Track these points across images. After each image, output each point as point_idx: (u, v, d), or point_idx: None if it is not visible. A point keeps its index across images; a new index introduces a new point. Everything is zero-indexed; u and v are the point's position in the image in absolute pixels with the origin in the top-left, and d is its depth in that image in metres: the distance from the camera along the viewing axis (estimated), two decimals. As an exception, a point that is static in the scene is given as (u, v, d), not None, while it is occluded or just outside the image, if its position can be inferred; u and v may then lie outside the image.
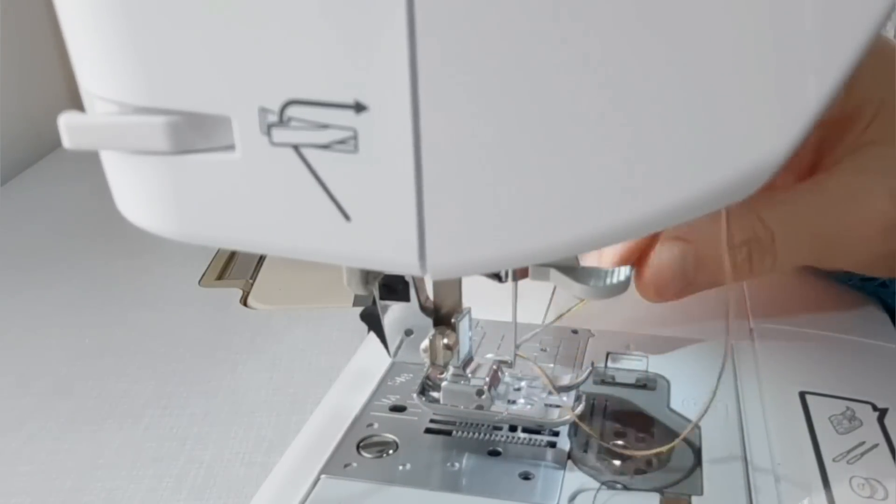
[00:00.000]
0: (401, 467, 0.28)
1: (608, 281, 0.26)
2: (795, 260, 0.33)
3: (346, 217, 0.17)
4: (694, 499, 0.26)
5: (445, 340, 0.27)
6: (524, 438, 0.29)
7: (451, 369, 0.29)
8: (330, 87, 0.16)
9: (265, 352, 0.39)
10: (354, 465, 0.28)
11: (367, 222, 0.17)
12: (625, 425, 0.30)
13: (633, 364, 0.34)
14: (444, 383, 0.29)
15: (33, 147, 0.67)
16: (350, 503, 0.27)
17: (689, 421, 0.30)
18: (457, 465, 0.28)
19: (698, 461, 0.28)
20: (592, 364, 0.33)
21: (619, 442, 0.29)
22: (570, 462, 0.28)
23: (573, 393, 0.30)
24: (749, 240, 0.31)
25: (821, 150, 0.34)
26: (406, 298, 0.27)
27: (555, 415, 0.29)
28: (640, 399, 0.32)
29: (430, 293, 0.28)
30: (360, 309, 0.30)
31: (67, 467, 0.31)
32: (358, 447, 0.29)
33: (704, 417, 0.30)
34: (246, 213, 0.18)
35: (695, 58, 0.15)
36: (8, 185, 0.64)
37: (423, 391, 0.30)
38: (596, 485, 0.27)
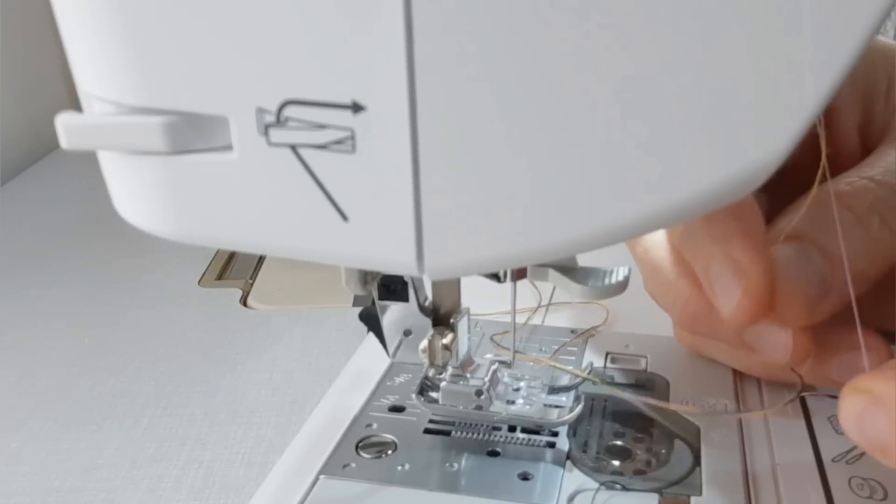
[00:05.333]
0: (400, 468, 0.28)
1: (606, 281, 0.26)
2: None
3: (344, 217, 0.17)
4: (693, 499, 0.26)
5: (444, 341, 0.27)
6: (523, 439, 0.29)
7: (449, 369, 0.29)
8: (327, 87, 0.16)
9: (265, 352, 0.39)
10: (353, 465, 0.28)
11: (365, 222, 0.17)
12: (624, 425, 0.30)
13: (632, 364, 0.34)
14: (442, 383, 0.29)
15: (33, 147, 0.67)
16: (348, 503, 0.27)
17: (689, 421, 0.30)
18: (456, 465, 0.28)
19: (697, 461, 0.28)
20: (591, 364, 0.33)
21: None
22: (568, 462, 0.28)
23: (572, 393, 0.30)
24: (872, 204, 0.26)
25: (864, 131, 0.31)
26: (405, 299, 0.27)
27: (553, 415, 0.29)
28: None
29: (428, 293, 0.28)
30: (359, 309, 0.30)
31: (67, 467, 0.31)
32: (357, 447, 0.29)
33: (704, 417, 0.30)
34: (243, 214, 0.18)
35: (693, 59, 0.15)
36: (8, 185, 0.64)
37: (422, 391, 0.30)
38: (595, 485, 0.27)
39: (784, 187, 0.26)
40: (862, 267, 0.26)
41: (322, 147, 0.17)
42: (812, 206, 0.27)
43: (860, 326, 0.22)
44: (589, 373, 0.31)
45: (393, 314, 0.28)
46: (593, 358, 0.34)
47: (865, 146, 0.30)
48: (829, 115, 0.31)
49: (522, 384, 0.30)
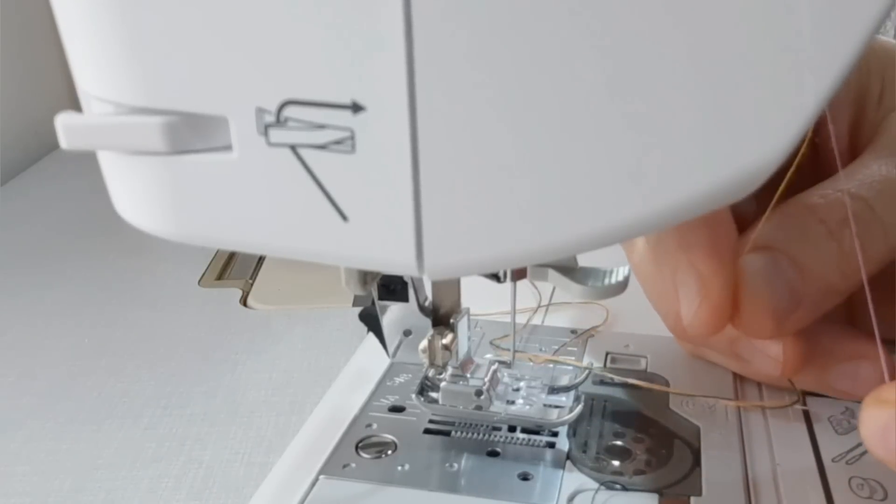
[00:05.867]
0: (399, 468, 0.28)
1: (606, 281, 0.26)
2: None
3: (344, 217, 0.17)
4: (693, 499, 0.26)
5: (444, 341, 0.27)
6: (523, 439, 0.29)
7: (449, 370, 0.29)
8: (327, 87, 0.16)
9: (265, 352, 0.39)
10: (353, 465, 0.28)
11: (365, 223, 0.17)
12: (624, 425, 0.30)
13: (632, 364, 0.34)
14: (442, 384, 0.29)
15: (33, 147, 0.67)
16: (348, 503, 0.27)
17: (689, 421, 0.30)
18: (455, 465, 0.28)
19: (697, 461, 0.28)
20: (591, 364, 0.33)
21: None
22: (568, 462, 0.28)
23: (572, 393, 0.30)
24: (845, 217, 0.26)
25: (854, 134, 0.31)
26: (405, 299, 0.27)
27: (553, 415, 0.29)
28: (639, 399, 0.32)
29: (428, 293, 0.28)
30: (359, 309, 0.30)
31: (67, 467, 0.31)
32: (357, 447, 0.29)
33: (704, 417, 0.30)
34: (243, 214, 0.18)
35: (693, 59, 0.15)
36: (8, 185, 0.64)
37: (421, 391, 0.30)
38: (595, 485, 0.27)
39: (773, 192, 0.26)
40: (833, 280, 0.26)
41: (322, 147, 0.17)
42: (785, 217, 0.26)
43: (877, 333, 0.22)
44: (588, 373, 0.31)
45: (393, 314, 0.28)
46: (593, 358, 0.34)
47: (854, 150, 0.30)
48: (820, 117, 0.31)
49: (522, 384, 0.30)
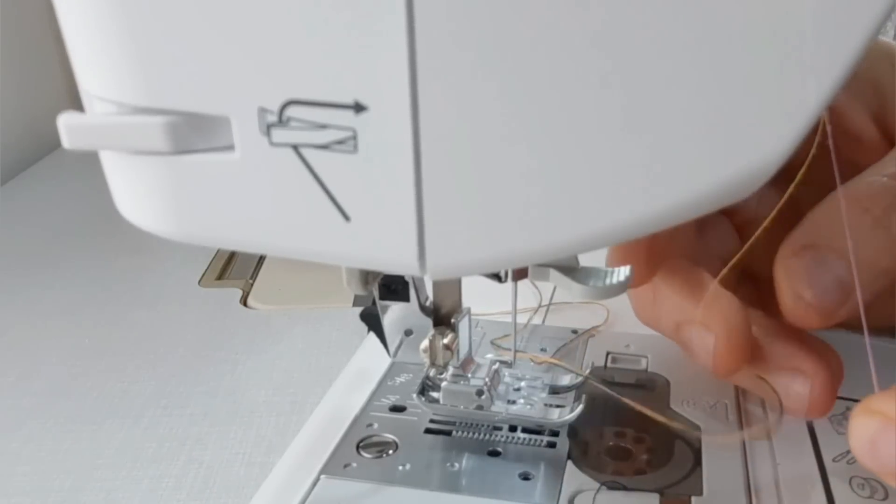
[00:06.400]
0: (400, 467, 0.28)
1: (608, 281, 0.26)
2: None
3: (346, 217, 0.17)
4: (694, 499, 0.26)
5: (445, 340, 0.27)
6: (524, 439, 0.29)
7: (450, 369, 0.29)
8: (329, 87, 0.16)
9: (265, 352, 0.39)
10: (354, 465, 0.28)
11: (367, 222, 0.17)
12: (625, 425, 0.30)
13: (632, 364, 0.34)
14: (443, 383, 0.29)
15: (33, 147, 0.67)
16: (350, 503, 0.27)
17: (690, 420, 0.30)
18: (456, 465, 0.28)
19: (698, 461, 0.28)
20: (592, 364, 0.33)
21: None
22: (569, 462, 0.28)
23: (573, 393, 0.30)
24: (891, 203, 0.26)
25: (880, 121, 0.31)
26: (406, 298, 0.27)
27: (554, 415, 0.29)
28: (639, 399, 0.32)
29: (429, 293, 0.28)
30: (359, 309, 0.30)
31: (67, 467, 0.31)
32: (358, 447, 0.29)
33: (704, 417, 0.30)
34: (245, 214, 0.18)
35: (695, 59, 0.15)
36: (8, 185, 0.64)
37: (422, 391, 0.30)
38: (595, 485, 0.27)
39: (787, 181, 0.26)
40: (885, 265, 0.26)
41: (324, 147, 0.17)
42: (827, 212, 0.27)
43: (865, 333, 0.22)
44: (589, 372, 0.31)
45: (394, 314, 0.28)
46: (594, 358, 0.34)
47: (887, 134, 0.30)
48: (835, 113, 0.31)
49: (523, 384, 0.30)
